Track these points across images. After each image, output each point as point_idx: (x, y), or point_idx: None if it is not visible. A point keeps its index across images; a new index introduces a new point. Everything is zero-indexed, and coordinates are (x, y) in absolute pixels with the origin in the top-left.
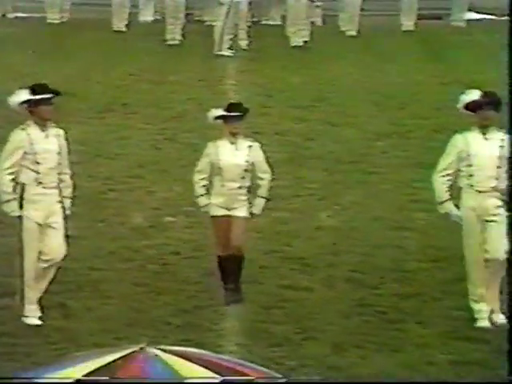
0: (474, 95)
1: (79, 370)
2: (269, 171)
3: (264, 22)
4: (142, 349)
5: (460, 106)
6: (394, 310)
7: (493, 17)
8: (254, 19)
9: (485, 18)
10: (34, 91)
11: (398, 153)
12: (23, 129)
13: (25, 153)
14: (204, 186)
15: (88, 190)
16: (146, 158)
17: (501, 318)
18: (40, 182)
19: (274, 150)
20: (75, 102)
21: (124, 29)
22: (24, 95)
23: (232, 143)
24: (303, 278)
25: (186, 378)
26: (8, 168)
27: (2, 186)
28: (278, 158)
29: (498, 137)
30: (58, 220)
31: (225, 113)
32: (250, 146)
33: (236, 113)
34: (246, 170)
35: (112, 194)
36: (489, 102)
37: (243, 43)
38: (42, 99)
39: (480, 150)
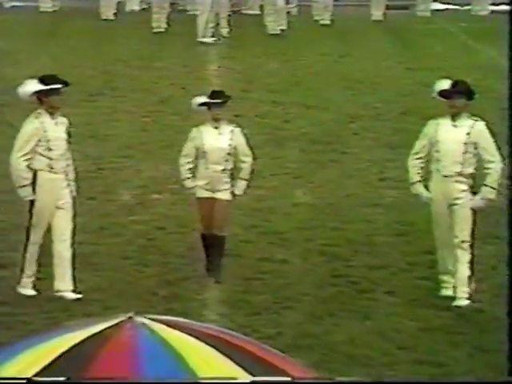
0: (445, 84)
1: (71, 339)
2: (250, 154)
3: (243, 12)
4: (130, 318)
5: (434, 93)
6: (364, 281)
7: (457, 7)
8: (234, 9)
9: (448, 8)
10: (44, 82)
11: (368, 134)
12: (36, 117)
13: (38, 140)
14: (189, 169)
15: (79, 169)
16: (134, 139)
17: (462, 302)
18: (52, 168)
19: (254, 132)
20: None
21: (112, 17)
22: (35, 85)
23: (215, 128)
24: (280, 251)
25: (172, 345)
26: (24, 155)
27: (19, 172)
28: (258, 139)
29: (466, 124)
30: (67, 202)
31: (208, 100)
32: (233, 131)
33: (219, 100)
34: (228, 154)
35: (101, 173)
36: (457, 90)
37: (224, 31)
38: (52, 89)
39: (447, 136)
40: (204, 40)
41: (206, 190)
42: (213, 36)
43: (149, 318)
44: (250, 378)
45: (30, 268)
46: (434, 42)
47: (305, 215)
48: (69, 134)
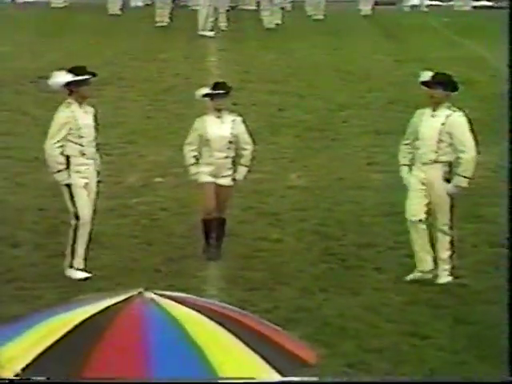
0: (426, 75)
1: (83, 313)
2: (251, 142)
3: (241, 7)
4: (139, 293)
5: (419, 84)
6: (354, 258)
7: (440, 3)
8: (232, 4)
9: (432, 4)
10: (75, 73)
11: (357, 122)
12: (67, 107)
13: (70, 128)
14: (194, 156)
15: None
16: (139, 126)
17: (445, 279)
18: (83, 154)
19: (251, 120)
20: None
21: (119, 12)
22: (67, 77)
23: (218, 117)
24: (276, 231)
25: (177, 319)
26: (58, 142)
27: (54, 158)
28: (255, 126)
29: (444, 114)
30: (94, 185)
31: (211, 91)
32: (234, 120)
33: (221, 91)
34: (230, 142)
35: (108, 158)
36: (436, 81)
37: (223, 25)
38: (82, 80)
39: (426, 125)
40: (204, 33)
41: (210, 175)
42: (212, 30)
43: (157, 294)
44: (249, 351)
45: (81, 249)
46: (419, 36)
47: (299, 197)
48: (96, 122)
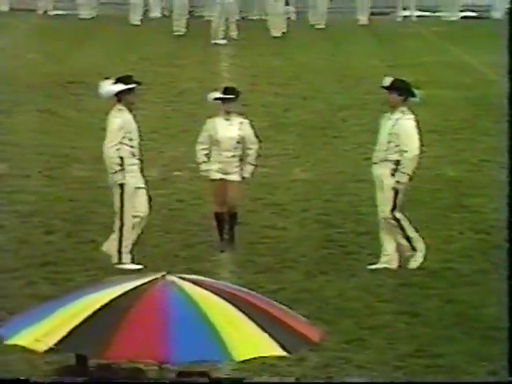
0: (386, 81)
1: (110, 293)
2: (256, 142)
3: (250, 17)
4: (163, 276)
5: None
6: (352, 244)
7: (429, 13)
8: (242, 15)
9: (422, 15)
10: (124, 82)
11: (355, 121)
12: (119, 112)
13: (124, 132)
14: (205, 154)
15: None
16: (158, 125)
17: (413, 264)
18: (134, 155)
19: (259, 119)
20: (101, 80)
21: (139, 23)
22: (118, 86)
23: (227, 120)
24: (281, 220)
25: (196, 300)
26: (114, 145)
27: (113, 159)
28: (262, 125)
29: (395, 117)
30: (142, 183)
31: (221, 95)
32: (242, 122)
33: (231, 95)
34: (238, 142)
35: None
36: (391, 87)
37: (234, 34)
38: (131, 88)
39: (382, 127)
40: (217, 41)
41: (219, 172)
42: (224, 38)
43: (179, 277)
44: (259, 330)
45: (127, 242)
46: (410, 43)
47: (302, 189)
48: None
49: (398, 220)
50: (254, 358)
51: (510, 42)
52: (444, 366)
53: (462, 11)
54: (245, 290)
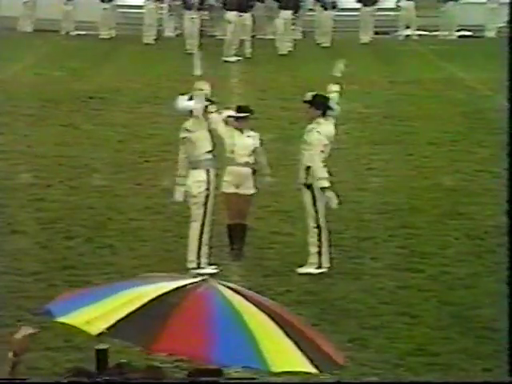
0: (307, 96)
1: (157, 289)
2: (264, 154)
3: (259, 36)
4: (204, 280)
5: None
6: (354, 249)
7: (427, 32)
8: (252, 34)
9: (421, 34)
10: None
11: (357, 133)
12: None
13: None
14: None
15: (129, 161)
16: (172, 137)
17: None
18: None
19: (267, 131)
20: (120, 95)
21: (153, 42)
22: (192, 102)
23: (240, 132)
24: (288, 226)
25: (235, 307)
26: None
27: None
28: (270, 137)
29: (311, 127)
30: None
31: (235, 114)
32: (253, 136)
33: (243, 114)
34: (252, 151)
35: (147, 164)
36: (309, 101)
37: (248, 52)
38: (208, 105)
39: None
40: (228, 59)
41: (232, 185)
42: (236, 55)
43: (219, 283)
44: (294, 347)
45: (206, 251)
46: (409, 61)
47: None
48: None
49: (319, 228)
50: (288, 372)
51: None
52: (441, 364)
53: (458, 30)
54: (280, 307)
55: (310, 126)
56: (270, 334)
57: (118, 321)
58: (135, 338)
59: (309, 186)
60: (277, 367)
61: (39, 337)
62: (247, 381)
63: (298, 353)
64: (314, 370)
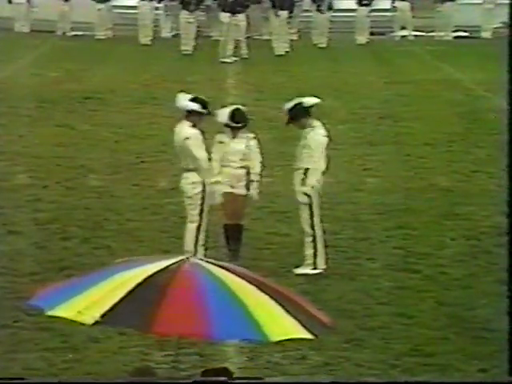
0: (286, 111)
1: (143, 271)
2: (259, 158)
3: (255, 37)
4: (187, 258)
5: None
6: (351, 250)
7: (423, 33)
8: (248, 35)
9: (417, 35)
10: (201, 104)
11: (353, 134)
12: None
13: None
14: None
15: (126, 161)
16: (169, 138)
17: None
18: None
19: (263, 132)
20: (116, 96)
21: (149, 43)
22: (194, 105)
23: (234, 137)
24: (284, 226)
25: (222, 280)
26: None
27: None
28: (266, 137)
29: (304, 133)
30: None
31: (231, 123)
32: (248, 137)
33: (239, 124)
34: (244, 155)
35: (143, 165)
36: (290, 110)
37: (244, 52)
38: (202, 113)
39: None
40: (224, 60)
41: (227, 185)
42: (233, 56)
43: (201, 259)
44: (286, 314)
45: (202, 251)
46: (405, 61)
47: None
48: None
49: (314, 230)
50: (286, 340)
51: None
52: (437, 364)
53: (454, 31)
54: (263, 277)
55: (306, 130)
56: (260, 302)
57: (111, 308)
58: (131, 322)
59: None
60: (275, 336)
61: (36, 337)
62: (254, 381)
63: (292, 320)
64: (309, 336)
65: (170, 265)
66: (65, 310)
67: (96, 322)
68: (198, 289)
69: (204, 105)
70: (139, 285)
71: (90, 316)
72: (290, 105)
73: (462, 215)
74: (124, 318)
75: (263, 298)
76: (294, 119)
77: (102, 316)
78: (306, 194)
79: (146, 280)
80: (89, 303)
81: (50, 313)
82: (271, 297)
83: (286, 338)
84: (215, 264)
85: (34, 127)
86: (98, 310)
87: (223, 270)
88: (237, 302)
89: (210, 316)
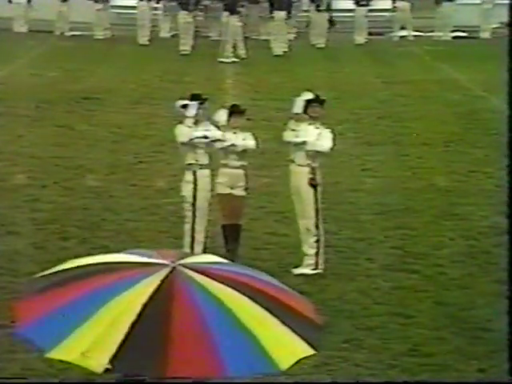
0: (316, 97)
1: (137, 294)
2: (254, 146)
3: (253, 37)
4: (173, 268)
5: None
6: (349, 250)
7: (422, 33)
8: (246, 35)
9: (416, 35)
10: (196, 100)
11: (352, 134)
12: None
13: None
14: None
15: (124, 161)
16: (167, 137)
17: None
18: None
19: (261, 132)
20: (114, 96)
21: (148, 43)
22: (184, 101)
23: (234, 133)
24: (283, 227)
25: (218, 297)
26: None
27: None
28: (265, 137)
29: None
30: None
31: (229, 112)
32: (245, 136)
33: (236, 112)
34: (243, 151)
35: (141, 165)
36: (321, 100)
37: (242, 53)
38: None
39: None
40: (222, 60)
41: (226, 186)
42: (232, 56)
43: (183, 266)
44: (289, 332)
45: (200, 251)
46: (404, 62)
47: None
48: None
49: (318, 229)
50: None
51: (510, 53)
52: (436, 364)
53: (453, 31)
54: (246, 271)
55: (311, 127)
56: (260, 322)
57: (117, 351)
58: (144, 368)
59: (314, 186)
60: (285, 364)
61: None
62: (252, 381)
63: (294, 336)
64: (311, 351)
65: (160, 284)
66: (66, 352)
67: (107, 370)
68: (200, 317)
69: (198, 98)
70: (138, 318)
71: (98, 362)
72: (312, 96)
73: (460, 215)
74: (135, 364)
75: (261, 315)
76: (323, 103)
77: (111, 361)
78: (311, 186)
79: (144, 309)
80: (91, 342)
81: (50, 355)
82: (267, 309)
83: (294, 361)
84: (201, 272)
85: (32, 127)
86: (102, 353)
87: (213, 282)
88: (239, 326)
89: (220, 352)
